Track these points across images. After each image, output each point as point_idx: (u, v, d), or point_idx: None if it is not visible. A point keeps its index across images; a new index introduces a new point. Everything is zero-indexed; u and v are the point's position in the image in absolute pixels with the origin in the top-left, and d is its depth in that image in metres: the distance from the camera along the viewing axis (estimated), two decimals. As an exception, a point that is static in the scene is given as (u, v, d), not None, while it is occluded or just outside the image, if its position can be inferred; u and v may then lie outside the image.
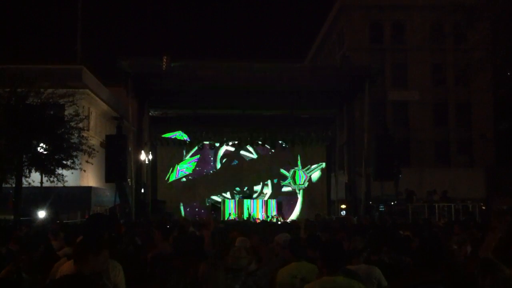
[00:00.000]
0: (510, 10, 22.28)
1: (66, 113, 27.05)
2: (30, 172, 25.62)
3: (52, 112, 26.08)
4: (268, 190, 32.74)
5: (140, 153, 27.21)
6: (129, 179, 25.83)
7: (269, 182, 32.98)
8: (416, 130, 40.38)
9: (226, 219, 26.66)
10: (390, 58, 41.28)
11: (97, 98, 39.11)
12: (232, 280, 4.95)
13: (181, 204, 31.62)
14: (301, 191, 32.74)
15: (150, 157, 29.22)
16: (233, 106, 29.24)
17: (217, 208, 29.22)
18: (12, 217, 23.72)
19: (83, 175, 32.66)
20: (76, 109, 26.93)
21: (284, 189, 32.90)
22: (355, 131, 29.12)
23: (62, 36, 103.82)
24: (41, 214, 23.40)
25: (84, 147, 26.36)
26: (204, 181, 32.54)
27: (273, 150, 32.42)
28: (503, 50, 23.31)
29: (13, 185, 25.33)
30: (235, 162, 32.84)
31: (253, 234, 8.40)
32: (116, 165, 24.21)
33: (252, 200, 29.41)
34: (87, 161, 27.33)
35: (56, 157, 25.85)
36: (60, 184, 25.97)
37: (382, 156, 25.34)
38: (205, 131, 31.41)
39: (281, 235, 7.40)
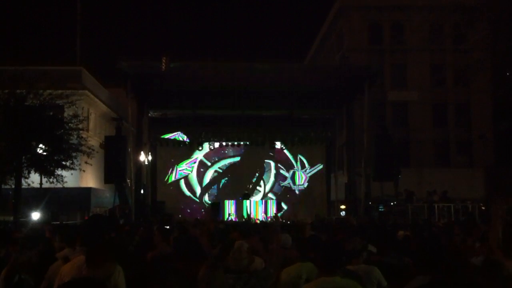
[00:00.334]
0: (509, 10, 22.29)
1: (65, 114, 27.06)
2: (29, 173, 25.60)
3: (51, 113, 26.06)
4: (268, 191, 32.78)
5: (140, 154, 27.20)
6: (128, 180, 25.83)
7: (269, 182, 33.01)
8: (415, 131, 40.37)
9: (225, 219, 26.67)
10: (389, 58, 41.29)
11: (96, 99, 39.08)
12: (234, 281, 4.95)
13: (181, 205, 31.65)
14: (300, 191, 32.77)
15: (150, 158, 29.22)
16: (232, 107, 29.25)
17: (217, 208, 29.22)
18: (11, 218, 23.70)
19: (83, 176, 32.64)
20: (75, 110, 26.92)
21: (284, 189, 32.93)
22: (354, 131, 29.12)
23: (61, 37, 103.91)
24: (35, 215, 23.24)
25: (83, 148, 26.35)
26: (203, 181, 32.59)
27: (273, 151, 32.48)
28: (502, 50, 23.33)
29: (13, 186, 25.31)
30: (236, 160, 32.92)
31: (253, 235, 8.41)
32: (115, 166, 24.21)
33: (251, 200, 29.42)
34: (86, 162, 27.32)
35: (55, 158, 25.84)
36: (59, 185, 25.97)
37: (382, 157, 25.35)
38: (205, 131, 31.44)
39: (281, 235, 7.40)
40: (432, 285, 4.12)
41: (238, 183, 32.28)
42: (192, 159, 32.68)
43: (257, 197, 31.40)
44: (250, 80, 26.82)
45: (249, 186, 32.32)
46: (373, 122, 28.27)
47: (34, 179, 25.53)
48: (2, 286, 5.79)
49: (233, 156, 33.04)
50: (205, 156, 32.82)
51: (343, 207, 29.45)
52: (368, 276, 5.82)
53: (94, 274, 4.09)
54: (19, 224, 20.25)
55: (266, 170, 33.16)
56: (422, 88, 40.98)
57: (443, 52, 40.33)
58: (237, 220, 26.63)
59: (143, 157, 27.53)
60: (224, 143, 32.41)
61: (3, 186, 25.68)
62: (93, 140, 34.45)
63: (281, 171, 32.99)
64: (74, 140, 26.23)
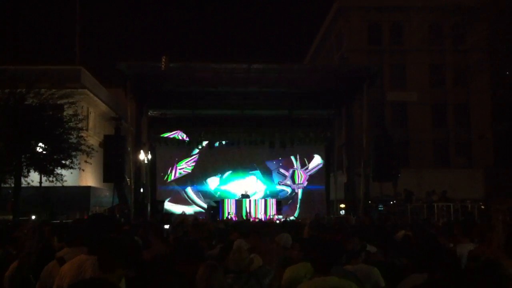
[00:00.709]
0: (508, 10, 22.30)
1: (65, 113, 27.08)
2: (29, 172, 25.62)
3: (51, 113, 26.08)
4: (267, 190, 32.85)
5: (139, 153, 27.21)
6: (128, 179, 25.85)
7: (268, 181, 33.06)
8: (415, 131, 40.39)
9: (225, 218, 26.69)
10: (388, 59, 41.33)
11: (96, 99, 39.11)
12: (233, 281, 4.95)
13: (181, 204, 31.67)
14: (300, 190, 32.81)
15: (149, 157, 29.23)
16: (231, 107, 29.28)
17: (216, 208, 29.24)
18: (11, 217, 23.70)
19: (82, 175, 32.67)
20: (75, 110, 26.95)
21: (283, 188, 32.97)
22: (354, 131, 29.15)
23: (61, 36, 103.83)
24: (33, 217, 23.20)
25: (83, 147, 26.38)
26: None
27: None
28: (501, 50, 23.33)
29: (12, 185, 25.33)
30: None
31: (253, 235, 8.41)
32: (114, 165, 24.25)
33: (251, 200, 29.44)
34: (86, 161, 27.35)
35: (55, 157, 25.87)
36: (59, 184, 25.99)
37: (381, 157, 25.41)
38: (204, 131, 31.47)
39: (282, 235, 7.39)
40: (429, 284, 4.14)
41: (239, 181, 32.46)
42: (192, 158, 32.71)
43: (256, 197, 31.41)
44: (249, 80, 26.85)
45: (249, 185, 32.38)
46: (373, 122, 28.29)
47: (33, 178, 25.56)
48: (8, 284, 5.81)
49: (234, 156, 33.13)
50: (204, 155, 32.86)
51: (342, 206, 29.49)
52: (366, 276, 5.81)
53: (107, 277, 4.09)
54: (19, 223, 20.25)
55: (266, 169, 33.20)
56: (421, 89, 41.00)
57: (442, 52, 40.34)
58: (236, 219, 26.64)
59: (142, 156, 27.54)
60: (223, 144, 32.46)
61: (2, 185, 25.70)
62: (93, 139, 34.49)
63: (281, 170, 33.04)
64: (73, 139, 26.27)
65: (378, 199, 27.48)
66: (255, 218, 26.31)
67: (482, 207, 25.24)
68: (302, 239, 6.64)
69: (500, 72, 25.23)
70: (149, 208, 26.90)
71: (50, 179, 25.84)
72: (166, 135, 31.62)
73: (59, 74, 29.69)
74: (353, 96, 28.18)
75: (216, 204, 29.77)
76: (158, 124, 31.03)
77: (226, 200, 29.51)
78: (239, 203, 28.73)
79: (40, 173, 25.68)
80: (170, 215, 24.91)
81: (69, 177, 27.20)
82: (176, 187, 32.52)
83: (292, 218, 28.96)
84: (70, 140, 26.17)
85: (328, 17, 46.40)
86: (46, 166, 25.63)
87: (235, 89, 27.54)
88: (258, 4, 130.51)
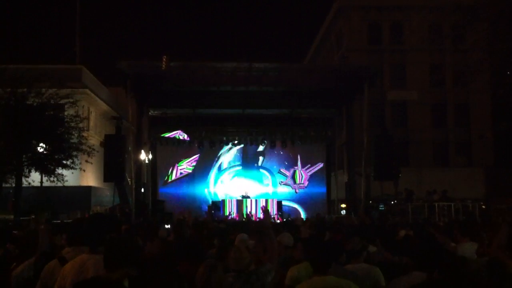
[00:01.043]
0: (508, 10, 22.30)
1: (66, 113, 27.10)
2: (30, 172, 25.65)
3: (52, 112, 26.10)
4: (268, 190, 32.87)
5: (140, 153, 27.22)
6: (129, 179, 25.86)
7: (269, 182, 33.07)
8: (414, 131, 40.39)
9: (226, 216, 26.73)
10: (388, 58, 41.31)
11: (96, 98, 39.12)
12: (234, 279, 4.96)
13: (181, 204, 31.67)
14: (301, 190, 32.81)
15: (150, 156, 29.24)
16: (232, 106, 29.29)
17: (217, 207, 29.29)
18: (12, 217, 23.74)
19: (83, 175, 32.70)
20: (76, 109, 26.96)
21: (284, 188, 32.98)
22: (354, 131, 29.16)
23: (61, 36, 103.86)
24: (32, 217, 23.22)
25: (84, 147, 26.41)
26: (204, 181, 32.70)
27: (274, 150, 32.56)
28: (501, 50, 23.33)
29: (13, 185, 25.36)
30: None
31: (255, 234, 8.42)
32: (115, 165, 24.21)
33: (251, 200, 29.47)
34: (87, 161, 27.37)
35: (56, 157, 25.91)
36: (60, 184, 26.01)
37: (381, 156, 25.39)
38: (205, 130, 31.48)
39: (284, 234, 7.40)
40: (428, 284, 4.16)
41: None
42: (193, 158, 32.71)
43: (257, 197, 31.41)
44: (250, 80, 26.85)
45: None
46: (373, 122, 28.30)
47: (34, 178, 25.58)
48: (15, 283, 5.84)
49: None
50: (205, 154, 32.89)
51: (343, 206, 29.51)
52: (367, 276, 5.83)
53: (111, 276, 4.12)
54: (19, 223, 20.28)
55: (267, 169, 33.21)
56: (422, 88, 40.99)
57: (442, 52, 40.33)
58: (237, 218, 26.66)
59: (143, 156, 27.55)
60: (224, 143, 32.49)
61: (3, 185, 25.73)
62: (94, 139, 34.49)
63: (282, 170, 33.06)
64: (74, 139, 26.30)
65: (379, 198, 27.49)
66: (256, 217, 26.34)
67: (483, 207, 25.29)
68: (303, 238, 6.66)
69: (500, 72, 25.23)
70: (150, 208, 26.94)
71: (51, 179, 25.86)
72: (166, 135, 31.63)
73: (60, 73, 29.71)
74: (354, 95, 28.18)
75: (216, 204, 29.81)
76: (158, 123, 31.05)
77: (227, 200, 29.55)
78: (240, 203, 28.77)
79: (41, 173, 25.71)
80: (170, 215, 24.92)
81: (70, 177, 27.25)
82: (177, 187, 32.52)
83: (293, 218, 28.99)
84: (71, 140, 26.20)
85: (328, 16, 46.39)
86: (47, 166, 25.66)
87: (236, 89, 27.54)
88: (259, 4, 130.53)
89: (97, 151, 28.18)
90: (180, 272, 4.57)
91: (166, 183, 32.31)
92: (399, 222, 16.37)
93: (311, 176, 32.88)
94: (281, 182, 33.04)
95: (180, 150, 32.45)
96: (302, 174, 32.77)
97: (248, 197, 29.82)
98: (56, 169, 25.92)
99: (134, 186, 25.52)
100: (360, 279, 5.45)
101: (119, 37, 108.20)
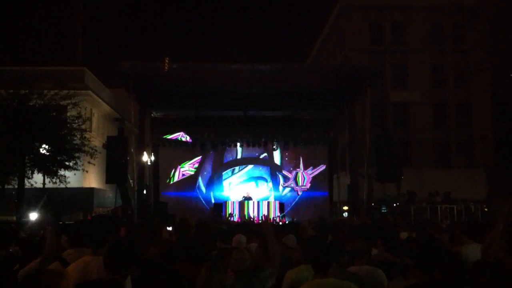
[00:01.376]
0: (508, 10, 22.30)
1: (68, 114, 27.13)
2: (32, 173, 25.68)
3: (54, 114, 26.13)
4: (270, 192, 32.86)
5: (142, 154, 27.25)
6: (131, 181, 25.88)
7: (271, 183, 33.06)
8: (416, 131, 40.33)
9: (227, 218, 26.76)
10: (390, 59, 41.27)
11: (99, 100, 39.16)
12: (235, 281, 4.98)
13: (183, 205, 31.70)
14: (303, 192, 32.79)
15: (152, 158, 29.26)
16: (234, 107, 29.29)
17: (219, 209, 29.30)
18: (14, 218, 23.78)
19: (85, 176, 32.72)
20: (78, 111, 27.00)
21: (287, 190, 32.97)
22: (356, 132, 29.12)
23: (63, 37, 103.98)
24: (33, 216, 23.22)
25: (86, 148, 26.42)
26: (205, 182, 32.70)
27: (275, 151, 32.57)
28: (502, 50, 23.33)
29: (16, 187, 25.39)
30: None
31: (255, 237, 8.44)
32: (117, 167, 24.24)
33: (254, 201, 29.49)
34: (89, 162, 27.39)
35: (58, 158, 25.93)
36: (62, 185, 26.04)
37: (382, 157, 25.33)
38: (207, 132, 31.48)
39: (289, 236, 7.41)
40: (429, 283, 4.17)
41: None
42: (195, 159, 32.72)
43: (259, 198, 31.42)
44: (252, 81, 26.86)
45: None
46: (374, 122, 28.24)
47: (37, 180, 25.62)
48: (21, 283, 5.87)
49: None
50: (207, 156, 32.90)
51: (345, 208, 29.45)
52: (370, 277, 5.82)
53: (112, 277, 4.14)
54: (22, 224, 20.32)
55: (269, 171, 33.21)
56: (423, 89, 40.94)
57: (444, 52, 40.30)
58: (240, 220, 26.71)
59: (145, 158, 27.57)
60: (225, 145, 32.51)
61: (6, 186, 25.77)
62: (96, 140, 34.53)
63: (284, 171, 33.04)
64: (77, 140, 26.32)
65: (381, 200, 27.44)
66: (258, 220, 26.37)
67: (486, 209, 25.25)
68: (302, 240, 6.67)
69: (501, 72, 25.23)
70: (152, 210, 26.94)
71: (54, 180, 25.89)
72: (169, 136, 31.65)
73: (62, 75, 29.76)
74: (355, 96, 28.16)
75: (218, 206, 29.83)
76: (161, 125, 31.07)
77: (230, 201, 29.57)
78: (242, 205, 28.78)
79: (44, 174, 25.74)
80: (173, 217, 24.95)
81: (72, 178, 27.27)
82: (179, 189, 32.52)
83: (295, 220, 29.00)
84: (73, 141, 26.22)
85: (330, 17, 46.40)
86: (49, 167, 25.69)
87: (238, 90, 27.55)
88: (261, 5, 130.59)
89: (100, 153, 28.20)
90: (181, 272, 4.60)
91: (168, 184, 32.32)
92: (400, 223, 16.35)
93: (313, 178, 32.84)
94: (284, 184, 33.02)
95: (182, 152, 32.47)
96: (305, 176, 32.74)
97: (250, 198, 29.82)
98: (59, 171, 25.96)
99: (136, 188, 25.56)
100: (363, 281, 5.46)
101: (121, 39, 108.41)
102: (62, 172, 26.06)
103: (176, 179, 32.49)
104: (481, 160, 39.62)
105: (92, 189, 33.58)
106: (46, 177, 25.81)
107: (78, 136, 26.39)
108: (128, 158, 24.99)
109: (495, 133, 39.83)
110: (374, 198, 27.09)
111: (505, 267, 4.92)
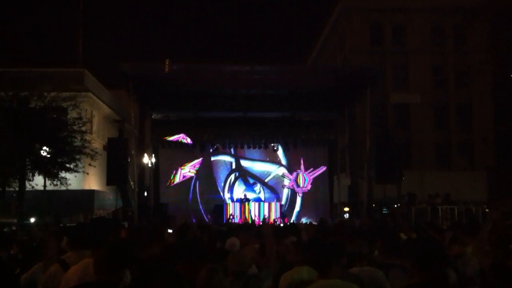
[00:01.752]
0: (509, 11, 22.30)
1: (68, 116, 27.13)
2: (33, 175, 25.67)
3: (54, 116, 26.12)
4: (271, 193, 32.83)
5: (143, 156, 27.23)
6: (132, 182, 25.87)
7: (272, 184, 33.04)
8: (417, 132, 40.31)
9: (228, 221, 26.71)
10: (391, 60, 41.27)
11: (99, 101, 39.15)
12: (233, 283, 4.98)
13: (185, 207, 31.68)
14: (304, 193, 32.75)
15: (153, 160, 29.23)
16: (235, 109, 29.26)
17: (220, 210, 29.26)
18: (15, 220, 23.78)
19: (86, 178, 32.71)
20: (78, 112, 26.99)
21: (287, 191, 32.94)
22: (356, 133, 29.10)
23: (63, 39, 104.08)
24: (32, 219, 23.27)
25: (87, 150, 26.40)
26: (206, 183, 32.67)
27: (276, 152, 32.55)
28: (503, 51, 23.34)
29: (17, 189, 25.38)
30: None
31: (257, 238, 8.43)
32: (117, 168, 24.24)
33: (254, 203, 29.46)
34: (90, 164, 27.38)
35: (59, 160, 25.91)
36: (63, 188, 26.03)
37: (383, 159, 25.31)
38: (207, 133, 31.45)
39: (291, 238, 7.41)
40: (426, 283, 4.17)
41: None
42: (196, 161, 32.69)
43: (260, 200, 31.37)
44: (252, 82, 26.84)
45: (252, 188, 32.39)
46: (374, 123, 28.27)
47: (37, 182, 25.61)
48: (24, 286, 5.89)
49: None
50: (208, 158, 32.89)
51: (346, 209, 29.43)
52: (372, 279, 5.81)
53: (103, 279, 4.13)
54: (23, 226, 20.33)
55: (269, 172, 33.19)
56: (424, 90, 40.92)
57: (445, 53, 40.32)
58: (241, 222, 26.66)
59: (146, 159, 27.55)
60: (226, 146, 32.49)
61: (6, 189, 25.76)
62: (97, 142, 34.51)
63: (284, 173, 33.01)
64: (77, 142, 26.30)
65: (382, 201, 27.42)
66: (259, 222, 26.34)
67: (487, 210, 25.26)
68: (298, 242, 6.65)
69: (502, 73, 25.24)
70: (152, 211, 26.94)
71: (54, 182, 25.89)
72: (169, 138, 31.61)
73: (62, 76, 29.77)
74: (356, 97, 28.15)
75: (219, 208, 29.78)
76: (161, 126, 31.04)
77: (231, 203, 29.53)
78: (242, 207, 28.75)
79: (44, 176, 25.73)
80: (174, 218, 24.92)
81: (73, 180, 27.26)
82: (180, 190, 32.49)
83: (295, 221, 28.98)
84: (74, 143, 26.21)
85: (330, 19, 46.42)
86: (50, 170, 25.68)
87: (238, 91, 27.54)
88: (261, 6, 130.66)
89: (100, 154, 28.19)
90: (181, 273, 4.59)
91: (169, 186, 32.30)
92: (401, 224, 16.34)
93: (314, 179, 32.80)
94: (284, 185, 33.00)
95: (183, 153, 32.43)
96: (305, 177, 32.70)
97: (248, 200, 29.79)
98: (59, 173, 25.95)
99: (137, 190, 25.55)
100: (364, 282, 5.45)
101: (121, 40, 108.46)
102: (62, 174, 26.05)
103: (177, 180, 32.46)
104: (482, 162, 39.59)
105: (92, 191, 33.57)
106: (46, 179, 25.80)
107: (79, 138, 26.37)
108: (129, 159, 25.00)
109: (496, 134, 39.80)
110: (374, 199, 27.07)
111: (505, 267, 4.92)
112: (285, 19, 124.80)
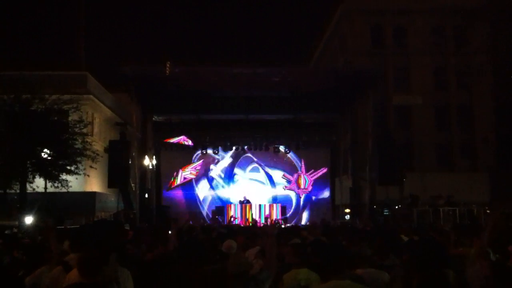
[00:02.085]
0: (509, 12, 22.31)
1: (70, 119, 27.15)
2: (34, 178, 25.68)
3: (56, 118, 26.14)
4: (272, 195, 32.83)
5: (144, 158, 27.26)
6: (133, 185, 25.88)
7: (273, 186, 33.04)
8: (418, 134, 40.26)
9: (229, 223, 26.70)
10: (392, 62, 41.22)
11: (101, 104, 39.17)
12: (233, 285, 4.97)
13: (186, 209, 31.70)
14: (305, 195, 32.75)
15: (154, 162, 29.25)
16: (236, 111, 29.29)
17: (221, 212, 29.28)
18: (16, 223, 23.76)
19: (87, 181, 32.72)
20: (80, 115, 27.02)
21: (288, 193, 32.94)
22: (358, 135, 29.08)
23: (65, 42, 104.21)
24: (28, 220, 23.17)
25: (88, 152, 26.42)
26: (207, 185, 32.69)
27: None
28: (504, 52, 23.35)
29: (18, 191, 25.39)
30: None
31: (258, 239, 8.43)
32: (119, 171, 24.27)
33: (256, 204, 29.44)
34: (91, 167, 27.39)
35: (60, 162, 25.93)
36: (64, 190, 26.04)
37: (385, 160, 25.31)
38: (209, 136, 31.49)
39: (294, 240, 7.41)
40: (424, 283, 4.16)
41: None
42: (197, 163, 32.72)
43: (261, 202, 31.37)
44: (253, 84, 26.86)
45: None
46: (376, 125, 28.27)
47: (38, 184, 25.62)
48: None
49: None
50: (209, 160, 32.90)
51: (347, 211, 29.40)
52: (375, 281, 5.80)
53: (88, 280, 4.12)
54: (24, 229, 20.33)
55: (271, 174, 33.18)
56: (425, 91, 40.85)
57: (446, 55, 40.28)
58: (242, 224, 26.65)
59: (147, 162, 27.57)
60: (227, 148, 32.50)
61: (8, 191, 25.76)
62: (98, 144, 34.53)
63: (286, 175, 33.00)
64: (78, 144, 26.33)
65: (384, 203, 27.39)
66: (260, 223, 26.33)
67: (488, 211, 25.21)
68: (296, 244, 6.64)
69: (503, 75, 25.25)
70: (154, 213, 26.95)
71: (56, 184, 25.89)
72: (171, 141, 31.63)
73: (64, 79, 29.78)
74: (357, 99, 28.15)
75: (220, 210, 29.79)
76: (163, 129, 31.07)
77: (232, 205, 29.54)
78: (243, 208, 28.75)
79: (46, 178, 25.73)
80: (175, 221, 24.86)
81: (74, 182, 27.26)
82: (181, 192, 32.52)
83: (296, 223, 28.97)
84: (75, 146, 26.23)
85: (332, 20, 46.41)
86: (51, 172, 25.69)
87: (240, 93, 27.55)
88: (263, 8, 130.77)
89: (101, 157, 28.22)
90: (182, 273, 4.60)
91: (170, 188, 32.32)
92: (402, 226, 16.33)
93: (315, 181, 32.81)
94: (285, 187, 33.00)
95: (184, 156, 32.46)
96: (306, 179, 32.71)
97: (248, 201, 29.80)
98: (60, 175, 25.95)
99: (138, 192, 25.56)
100: (367, 284, 5.44)
101: (123, 43, 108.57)
102: (63, 176, 26.06)
103: (178, 182, 32.48)
104: (483, 163, 39.49)
105: (94, 193, 33.56)
106: (47, 181, 25.80)
107: (80, 140, 26.39)
108: (130, 162, 25.02)
109: (497, 136, 39.73)
110: (376, 201, 27.04)
111: (505, 268, 4.92)
112: (287, 21, 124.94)
